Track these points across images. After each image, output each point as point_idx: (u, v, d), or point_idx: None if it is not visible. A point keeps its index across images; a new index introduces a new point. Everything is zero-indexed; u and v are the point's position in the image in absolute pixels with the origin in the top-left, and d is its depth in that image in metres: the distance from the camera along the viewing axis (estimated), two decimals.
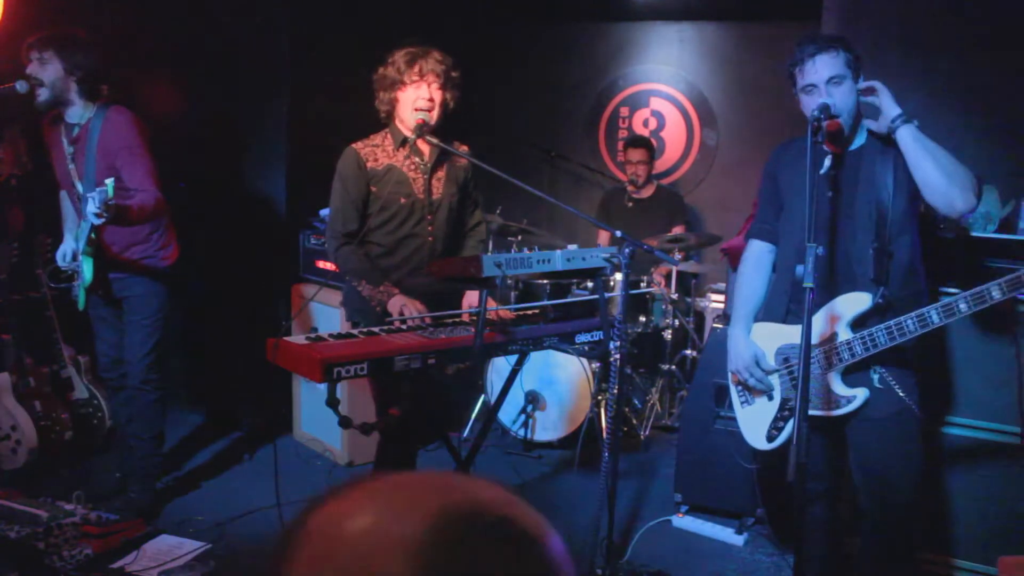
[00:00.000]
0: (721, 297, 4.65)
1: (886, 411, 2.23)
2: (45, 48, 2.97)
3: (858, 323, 2.23)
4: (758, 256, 2.51)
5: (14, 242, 3.62)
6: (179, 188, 3.33)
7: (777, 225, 2.46)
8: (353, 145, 2.79)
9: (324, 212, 4.13)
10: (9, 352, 3.55)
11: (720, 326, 3.50)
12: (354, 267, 2.73)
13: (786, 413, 2.36)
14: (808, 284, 1.99)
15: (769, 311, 2.45)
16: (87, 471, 3.58)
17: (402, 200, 2.75)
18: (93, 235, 3.00)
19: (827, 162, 2.26)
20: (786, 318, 2.38)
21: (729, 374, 2.51)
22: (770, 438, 2.39)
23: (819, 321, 2.26)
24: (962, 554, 2.74)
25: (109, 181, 2.62)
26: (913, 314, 2.12)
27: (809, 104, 2.21)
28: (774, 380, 2.39)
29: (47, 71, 2.98)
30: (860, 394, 2.23)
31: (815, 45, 2.20)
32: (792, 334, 2.27)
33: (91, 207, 2.63)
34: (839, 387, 2.26)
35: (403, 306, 2.61)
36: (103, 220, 2.67)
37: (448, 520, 0.55)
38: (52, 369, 3.69)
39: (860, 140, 2.29)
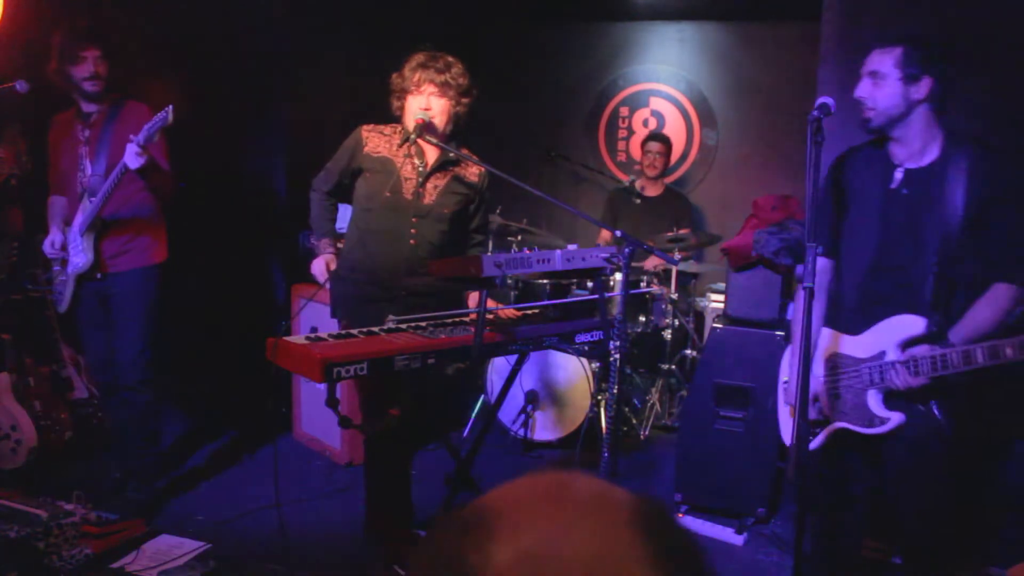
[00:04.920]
0: (721, 297, 4.65)
1: (920, 432, 2.17)
2: (99, 42, 3.08)
3: (908, 345, 2.16)
4: (819, 275, 2.39)
5: (14, 242, 3.62)
6: (179, 188, 3.35)
7: (835, 238, 2.37)
8: (363, 127, 2.86)
9: None
10: (9, 352, 3.54)
11: (720, 326, 3.50)
12: (314, 214, 2.95)
13: (822, 419, 2.35)
14: (808, 285, 1.98)
15: (830, 319, 2.39)
16: (87, 471, 3.58)
17: (387, 194, 2.76)
18: (104, 202, 3.05)
19: (898, 175, 2.20)
20: (847, 328, 2.32)
21: (780, 379, 2.51)
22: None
23: (871, 336, 2.23)
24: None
25: (169, 108, 2.76)
26: (984, 345, 2.00)
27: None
28: (823, 396, 2.35)
29: (104, 65, 3.11)
30: (894, 418, 2.18)
31: (881, 40, 2.16)
32: (848, 345, 2.26)
33: (132, 148, 2.81)
34: (876, 406, 2.22)
35: (320, 267, 2.85)
36: (142, 162, 2.83)
37: (646, 525, 0.56)
38: (52, 369, 3.69)
39: (933, 155, 2.18)
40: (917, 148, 2.18)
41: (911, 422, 2.19)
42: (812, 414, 2.31)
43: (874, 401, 2.22)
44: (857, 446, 2.32)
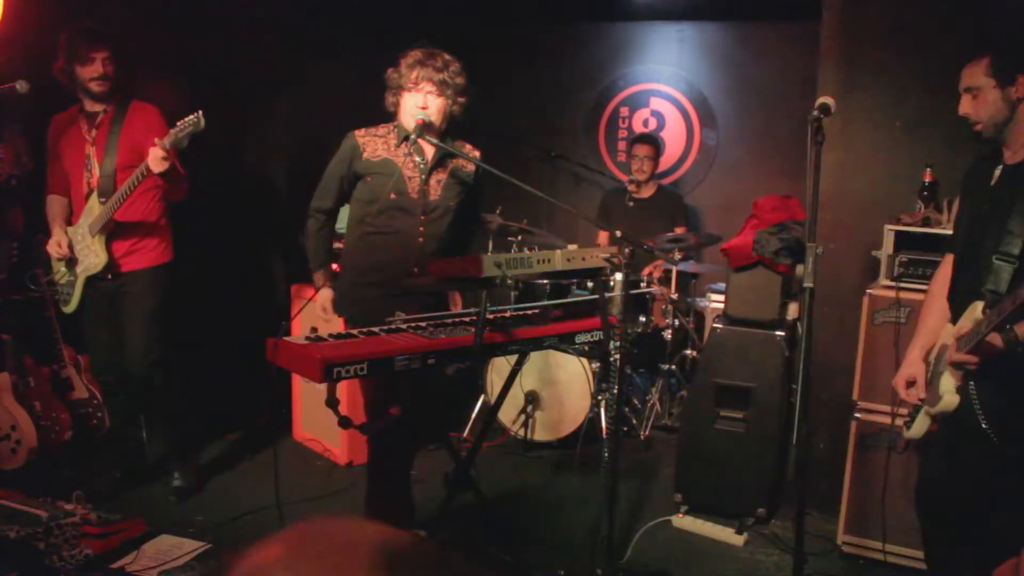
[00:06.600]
0: (721, 297, 4.65)
1: (962, 424, 2.17)
2: (108, 43, 3.10)
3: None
4: (948, 270, 2.42)
5: (14, 242, 3.62)
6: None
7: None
8: (355, 132, 2.84)
9: None
10: (9, 352, 3.54)
11: (720, 326, 3.50)
12: (310, 243, 2.92)
13: (916, 407, 2.37)
14: (807, 284, 1.98)
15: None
16: (87, 471, 3.58)
17: (392, 195, 2.75)
18: (119, 204, 3.04)
19: (997, 173, 2.23)
20: (954, 319, 2.32)
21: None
22: (907, 425, 2.43)
23: (962, 323, 2.21)
24: None
25: (199, 113, 2.75)
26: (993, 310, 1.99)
27: None
28: (919, 378, 2.35)
29: (111, 66, 3.12)
30: (948, 398, 2.19)
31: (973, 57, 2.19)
32: (946, 334, 2.27)
33: (158, 153, 2.80)
34: (943, 386, 2.22)
35: (326, 305, 2.88)
36: (166, 166, 2.83)
37: (392, 565, 0.55)
38: (52, 369, 3.69)
39: None
40: (1019, 145, 2.19)
41: (957, 422, 2.17)
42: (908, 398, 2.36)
43: (945, 381, 2.22)
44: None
